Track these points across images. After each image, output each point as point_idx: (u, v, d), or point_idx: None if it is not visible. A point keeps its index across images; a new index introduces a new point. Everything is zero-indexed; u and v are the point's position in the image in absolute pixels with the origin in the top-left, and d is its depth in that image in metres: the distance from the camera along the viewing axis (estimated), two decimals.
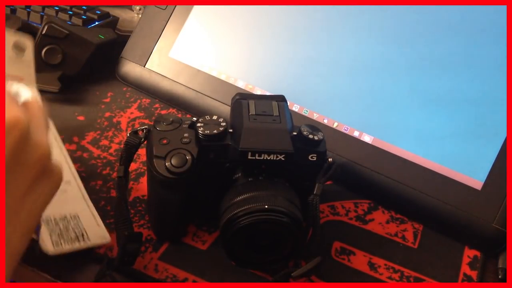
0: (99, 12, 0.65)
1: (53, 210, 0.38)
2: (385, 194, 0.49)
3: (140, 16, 0.69)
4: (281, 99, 0.42)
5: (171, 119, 0.41)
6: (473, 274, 0.44)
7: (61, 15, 0.63)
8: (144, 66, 0.60)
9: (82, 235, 0.40)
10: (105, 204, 0.46)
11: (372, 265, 0.44)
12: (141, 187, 0.48)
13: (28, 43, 0.38)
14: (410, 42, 0.51)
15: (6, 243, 0.26)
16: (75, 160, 0.50)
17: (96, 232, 0.41)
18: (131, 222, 0.40)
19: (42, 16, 0.62)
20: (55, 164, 0.30)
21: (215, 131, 0.39)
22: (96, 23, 0.64)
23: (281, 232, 0.37)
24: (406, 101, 0.50)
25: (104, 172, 0.49)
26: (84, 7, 0.65)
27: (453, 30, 0.50)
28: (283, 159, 0.38)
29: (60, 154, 0.46)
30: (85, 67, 0.58)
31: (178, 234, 0.44)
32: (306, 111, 0.53)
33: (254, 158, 0.38)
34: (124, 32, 0.67)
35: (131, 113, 0.58)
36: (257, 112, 0.39)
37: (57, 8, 0.63)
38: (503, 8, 0.49)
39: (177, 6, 0.60)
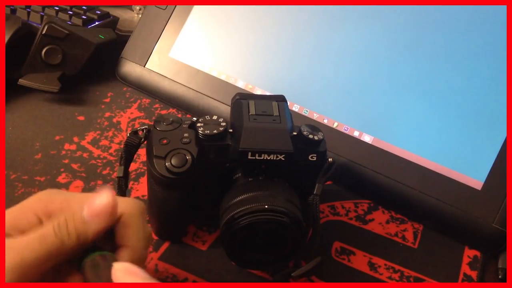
0: (99, 12, 0.65)
1: None
2: (385, 194, 0.49)
3: (140, 16, 0.69)
4: (281, 99, 0.42)
5: (171, 119, 0.41)
6: (473, 274, 0.44)
7: (61, 15, 0.63)
8: (144, 66, 0.60)
9: None
10: None
11: (372, 265, 0.44)
12: (141, 187, 0.48)
13: None
14: (412, 43, 0.51)
15: None
16: (75, 160, 0.50)
17: None
18: None
19: (42, 16, 0.62)
20: None
21: (215, 131, 0.39)
22: (96, 23, 0.64)
23: (281, 232, 0.37)
24: (407, 101, 0.50)
25: (104, 172, 0.49)
26: (84, 7, 0.65)
27: (453, 31, 0.50)
28: (283, 159, 0.38)
29: None
30: (85, 67, 0.58)
31: (178, 234, 0.44)
32: (306, 111, 0.53)
33: (254, 158, 0.38)
34: (124, 32, 0.67)
35: (131, 113, 0.58)
36: (257, 112, 0.39)
37: (57, 8, 0.63)
38: (503, 8, 0.49)
39: (177, 6, 0.60)
